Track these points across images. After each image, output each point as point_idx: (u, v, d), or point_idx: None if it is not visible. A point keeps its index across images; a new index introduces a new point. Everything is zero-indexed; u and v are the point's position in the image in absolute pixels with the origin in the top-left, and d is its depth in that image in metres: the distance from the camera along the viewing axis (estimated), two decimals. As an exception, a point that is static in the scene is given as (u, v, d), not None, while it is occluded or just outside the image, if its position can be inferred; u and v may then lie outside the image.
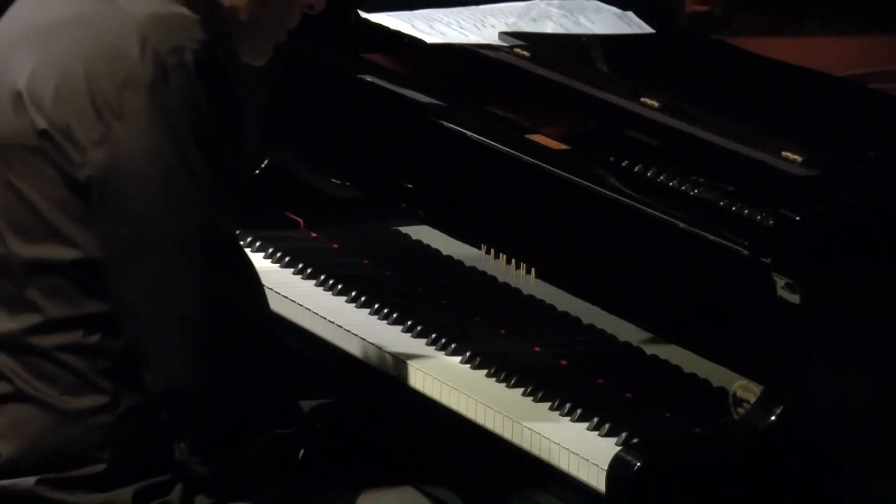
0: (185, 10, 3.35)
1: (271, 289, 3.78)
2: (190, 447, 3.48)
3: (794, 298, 2.98)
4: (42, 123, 3.29)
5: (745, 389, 3.07)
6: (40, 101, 3.31)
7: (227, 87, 3.37)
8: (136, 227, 3.26)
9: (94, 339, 3.33)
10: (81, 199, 3.27)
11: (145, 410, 3.36)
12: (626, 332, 3.31)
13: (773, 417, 2.98)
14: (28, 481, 3.39)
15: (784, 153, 3.16)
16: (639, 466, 2.99)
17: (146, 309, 3.31)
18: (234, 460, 3.52)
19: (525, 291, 3.47)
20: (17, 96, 3.32)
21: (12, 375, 3.40)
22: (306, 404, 3.84)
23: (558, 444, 3.11)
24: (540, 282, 3.44)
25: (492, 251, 3.51)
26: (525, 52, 3.65)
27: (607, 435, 3.08)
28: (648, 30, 3.82)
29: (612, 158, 3.39)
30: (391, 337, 3.46)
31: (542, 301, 3.44)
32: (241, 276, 3.38)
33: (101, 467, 3.36)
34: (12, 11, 3.59)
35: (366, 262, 3.67)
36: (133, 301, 3.30)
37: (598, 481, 3.05)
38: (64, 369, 3.35)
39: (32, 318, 3.37)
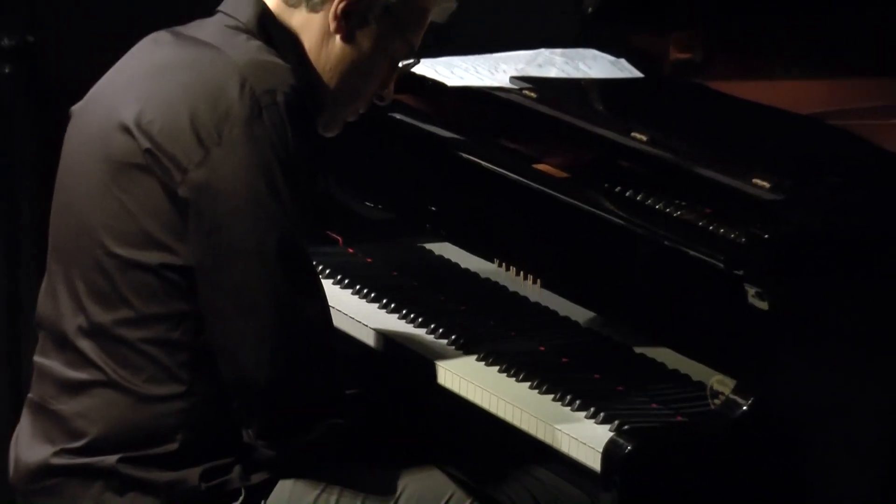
0: (279, 60, 3.36)
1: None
2: (256, 432, 3.42)
3: (763, 305, 2.97)
4: (147, 144, 3.29)
5: (721, 383, 3.07)
6: (148, 130, 3.30)
7: (310, 127, 3.40)
8: (225, 239, 3.26)
9: (177, 334, 3.32)
10: (178, 212, 3.27)
11: (217, 399, 3.36)
12: (619, 333, 3.32)
13: (744, 408, 2.98)
14: (111, 459, 3.35)
15: (754, 180, 3.16)
16: (629, 449, 2.95)
17: (229, 311, 3.31)
18: (294, 445, 3.44)
19: (532, 299, 3.47)
20: (125, 128, 3.31)
21: (102, 363, 3.36)
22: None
23: (560, 430, 3.10)
24: (544, 291, 3.45)
25: (503, 264, 3.51)
26: (532, 94, 3.65)
27: (602, 422, 3.07)
28: (638, 74, 3.81)
29: (606, 185, 3.38)
30: (417, 338, 3.46)
31: (546, 307, 3.44)
32: (311, 288, 3.36)
33: (174, 447, 3.34)
34: (129, 55, 3.58)
35: (395, 274, 3.67)
36: (217, 303, 3.31)
37: (594, 462, 3.01)
38: (148, 360, 3.33)
39: (124, 313, 3.35)
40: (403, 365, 3.50)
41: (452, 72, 3.77)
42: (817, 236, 3.12)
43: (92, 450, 3.40)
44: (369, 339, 3.55)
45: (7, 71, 5.16)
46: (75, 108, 3.58)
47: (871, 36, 3.81)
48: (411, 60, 3.59)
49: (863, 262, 3.14)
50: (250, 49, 3.39)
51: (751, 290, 2.99)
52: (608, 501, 3.04)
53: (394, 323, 3.53)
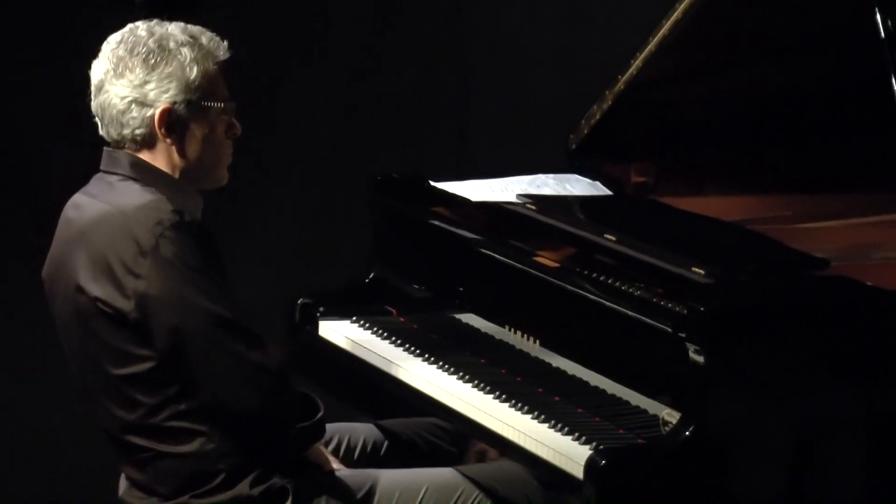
0: (157, 195, 3.27)
1: (375, 352, 3.71)
2: (258, 442, 3.37)
3: (700, 359, 2.96)
4: (96, 292, 3.24)
5: (670, 415, 3.05)
6: (91, 283, 3.25)
7: (201, 230, 3.31)
8: (177, 334, 3.24)
9: (182, 406, 3.27)
10: (135, 332, 3.22)
11: (232, 433, 3.33)
12: (594, 379, 3.29)
13: (687, 433, 2.95)
14: (184, 498, 3.34)
15: (693, 268, 3.15)
16: (604, 464, 2.92)
17: (217, 376, 3.27)
18: (284, 445, 3.40)
19: (532, 354, 3.45)
20: (79, 288, 3.26)
21: (148, 445, 3.33)
22: (394, 421, 3.79)
23: (555, 449, 3.08)
24: (542, 348, 3.43)
25: (511, 329, 3.50)
26: (532, 206, 3.65)
27: (584, 444, 3.05)
28: (608, 192, 3.81)
29: (585, 272, 3.37)
30: (448, 382, 3.44)
31: (543, 360, 3.42)
32: (252, 339, 3.28)
33: (223, 475, 3.32)
34: (64, 217, 3.48)
35: (434, 336, 3.65)
36: (205, 373, 3.26)
37: (578, 472, 2.97)
38: (173, 430, 3.30)
39: (140, 409, 3.30)
40: (434, 400, 3.45)
41: (475, 191, 3.78)
42: (739, 309, 3.10)
43: (168, 497, 3.38)
44: (413, 382, 3.51)
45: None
46: (44, 275, 3.49)
47: (775, 163, 3.81)
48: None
49: (772, 326, 3.10)
50: (133, 194, 3.31)
51: (691, 348, 2.97)
52: (588, 499, 2.99)
53: (432, 372, 3.50)
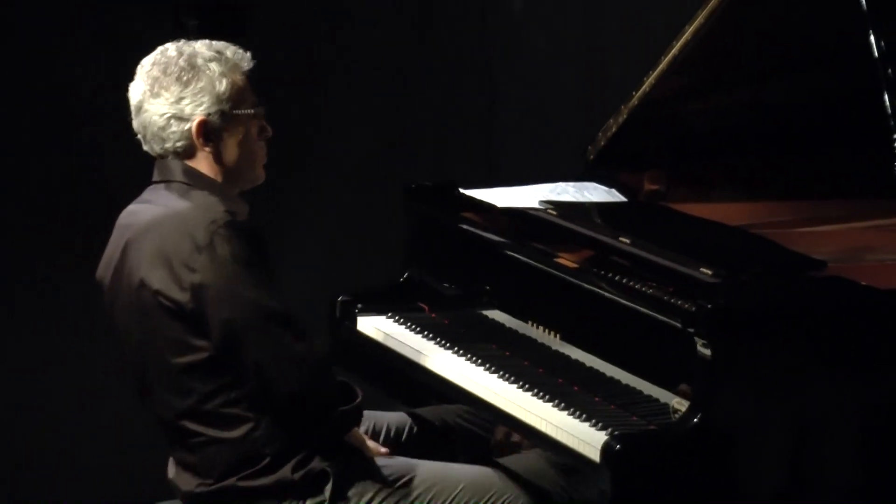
0: (211, 198, 3.30)
1: (409, 345, 3.69)
2: (299, 427, 3.36)
3: (707, 353, 2.96)
4: (157, 285, 3.24)
5: (680, 404, 3.04)
6: (152, 277, 3.26)
7: (252, 230, 3.31)
8: (230, 325, 3.25)
9: (233, 394, 3.27)
10: (192, 323, 3.24)
11: (278, 419, 3.33)
12: (610, 370, 3.29)
13: (695, 420, 2.95)
14: (231, 481, 3.33)
15: (701, 269, 3.15)
16: (618, 448, 2.92)
17: (265, 363, 3.26)
18: (324, 431, 3.36)
19: (553, 347, 3.44)
20: (141, 283, 3.27)
21: (200, 430, 3.33)
22: (423, 409, 3.76)
23: (574, 435, 3.08)
24: (562, 342, 3.43)
25: (534, 324, 3.50)
26: (553, 212, 3.65)
27: (601, 429, 3.05)
28: (623, 199, 3.80)
29: (602, 272, 3.36)
30: (475, 373, 3.43)
31: (563, 353, 3.41)
32: (298, 331, 3.28)
33: (266, 461, 3.31)
34: (119, 224, 3.48)
35: (463, 330, 3.64)
36: (254, 360, 3.26)
37: (595, 456, 2.97)
38: (225, 416, 3.30)
39: (195, 396, 3.30)
40: (462, 389, 3.45)
41: (501, 197, 3.77)
42: (743, 307, 3.09)
43: (217, 480, 3.36)
44: (443, 372, 3.51)
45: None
46: (98, 275, 3.48)
47: (776, 172, 3.80)
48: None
49: (773, 323, 3.09)
50: (187, 197, 3.33)
51: (699, 342, 2.97)
52: (604, 481, 2.98)
53: (461, 363, 3.49)
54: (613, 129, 3.72)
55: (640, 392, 3.18)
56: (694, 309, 3.04)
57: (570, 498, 3.42)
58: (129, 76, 3.98)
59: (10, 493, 4.81)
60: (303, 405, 3.32)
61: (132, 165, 3.76)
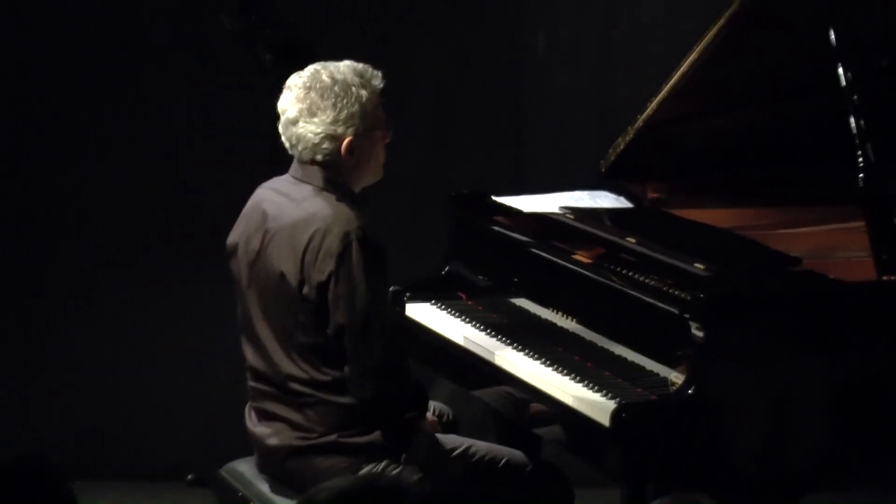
0: (348, 210, 3.32)
1: (450, 328, 3.67)
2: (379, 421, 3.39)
3: (700, 335, 2.97)
4: (293, 282, 3.27)
5: (677, 378, 3.03)
6: (291, 274, 3.28)
7: (377, 245, 3.32)
8: (339, 326, 3.26)
9: (333, 374, 3.29)
10: (316, 315, 3.26)
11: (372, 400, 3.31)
12: (618, 349, 3.27)
13: (689, 392, 2.95)
14: (331, 437, 3.33)
15: (696, 264, 3.15)
16: (625, 415, 2.93)
17: (353, 367, 3.27)
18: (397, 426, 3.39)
19: (570, 330, 3.43)
20: (282, 276, 3.29)
21: (312, 393, 3.31)
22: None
23: (587, 402, 3.08)
24: (578, 325, 3.41)
25: (554, 310, 3.48)
26: (571, 216, 3.64)
27: (610, 399, 3.05)
28: (629, 205, 3.79)
29: (612, 266, 3.35)
30: (504, 350, 3.41)
31: (578, 334, 3.39)
32: (391, 336, 3.33)
33: (361, 426, 3.31)
34: (257, 205, 3.50)
35: (494, 315, 3.62)
36: (348, 361, 3.26)
37: (605, 421, 2.97)
38: (335, 384, 3.30)
39: (312, 367, 3.32)
40: (497, 366, 3.43)
41: (527, 204, 3.76)
42: (731, 296, 3.12)
43: (321, 435, 3.36)
44: (480, 352, 3.49)
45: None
46: (231, 241, 3.50)
47: (759, 183, 3.78)
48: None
49: (756, 310, 3.12)
50: (329, 206, 3.33)
51: (693, 326, 2.98)
52: (613, 444, 2.99)
53: (492, 342, 3.48)
54: (622, 147, 3.70)
55: (644, 368, 3.17)
56: (689, 298, 3.04)
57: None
58: (213, 100, 4.01)
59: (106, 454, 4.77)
60: (371, 407, 3.32)
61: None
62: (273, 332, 3.37)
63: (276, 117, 3.51)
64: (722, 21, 3.34)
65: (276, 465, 3.39)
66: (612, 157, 3.75)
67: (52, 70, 4.67)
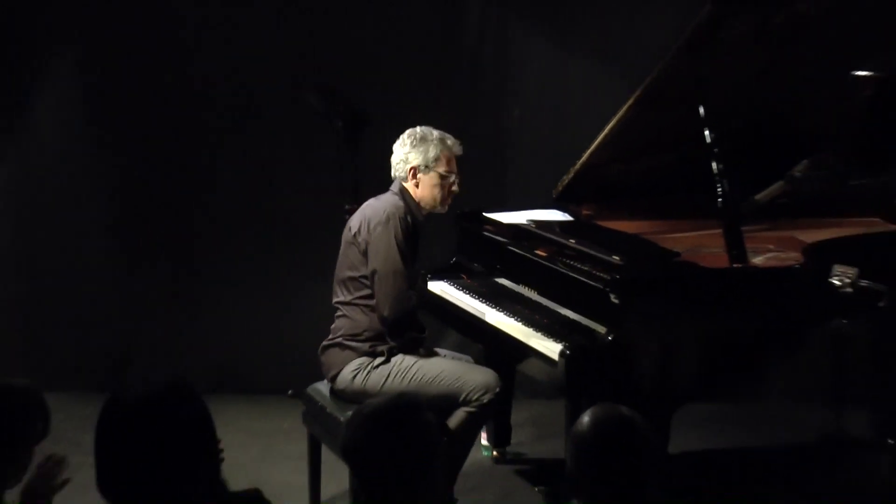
0: (400, 202, 3.29)
1: (454, 296, 3.60)
2: (388, 333, 3.29)
3: (616, 302, 2.98)
4: (357, 235, 3.27)
5: (601, 330, 3.02)
6: (357, 230, 3.27)
7: (412, 227, 3.30)
8: (377, 263, 3.22)
9: (370, 301, 3.27)
10: (363, 257, 3.25)
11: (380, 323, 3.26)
12: (565, 311, 3.23)
13: (609, 339, 2.95)
14: (339, 339, 3.29)
15: (613, 256, 3.14)
16: (568, 353, 2.95)
17: (379, 294, 3.23)
18: (403, 337, 3.30)
19: (533, 298, 3.38)
20: (356, 232, 3.27)
21: (343, 311, 3.30)
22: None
23: (546, 346, 3.08)
24: (539, 296, 3.37)
25: (523, 286, 3.44)
26: (533, 225, 3.61)
27: (558, 343, 3.04)
28: (571, 218, 3.72)
29: (559, 258, 3.31)
30: (490, 311, 3.40)
31: (538, 302, 3.36)
32: (405, 284, 3.26)
33: (364, 335, 3.28)
34: (363, 204, 3.38)
35: (484, 289, 3.58)
36: (376, 290, 3.22)
37: (555, 357, 2.98)
38: (360, 307, 3.28)
39: (354, 293, 3.29)
40: (486, 321, 3.40)
41: (507, 218, 3.72)
42: (635, 277, 3.08)
43: (334, 338, 3.32)
44: (475, 312, 3.46)
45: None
46: (349, 223, 3.38)
47: (657, 205, 3.71)
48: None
49: (651, 286, 3.08)
50: (394, 200, 3.30)
51: (612, 297, 2.99)
52: (561, 372, 2.96)
53: (483, 306, 3.45)
54: (566, 181, 3.68)
55: (580, 323, 3.16)
56: (609, 278, 3.06)
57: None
58: (308, 150, 4.03)
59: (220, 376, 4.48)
60: (388, 323, 3.28)
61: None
62: (338, 274, 3.40)
63: (349, 163, 3.60)
64: (631, 101, 3.29)
65: (319, 360, 3.38)
66: (560, 188, 3.71)
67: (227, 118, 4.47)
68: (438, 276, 3.76)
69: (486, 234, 3.71)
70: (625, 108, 3.31)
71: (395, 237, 3.25)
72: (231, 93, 4.38)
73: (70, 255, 4.48)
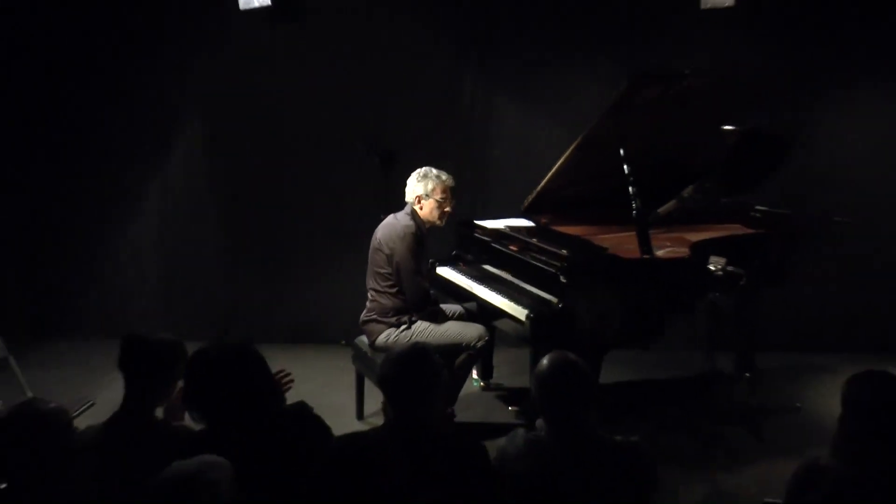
0: (412, 222, 3.18)
1: (454, 278, 3.53)
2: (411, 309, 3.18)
3: (564, 281, 2.97)
4: (382, 247, 3.17)
5: (554, 300, 2.98)
6: (382, 243, 3.18)
7: (420, 237, 3.19)
8: (398, 268, 3.13)
9: (395, 289, 3.18)
10: (388, 262, 3.14)
11: (404, 303, 3.15)
12: (530, 287, 3.18)
13: (560, 306, 2.97)
14: (373, 315, 3.19)
15: (562, 250, 3.09)
16: (532, 315, 2.93)
17: (402, 280, 3.15)
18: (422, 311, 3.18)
19: (509, 279, 3.33)
20: (379, 243, 3.19)
21: (375, 297, 3.17)
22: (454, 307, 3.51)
23: (516, 310, 3.04)
24: (511, 276, 3.32)
25: (502, 271, 3.40)
26: (508, 229, 3.54)
27: (525, 308, 3.00)
28: (534, 225, 3.64)
29: (527, 251, 3.27)
30: (479, 288, 3.35)
31: (513, 282, 3.30)
32: (421, 278, 3.17)
33: (391, 313, 3.12)
34: (384, 220, 3.26)
35: (475, 272, 3.54)
36: (401, 281, 3.13)
37: (522, 318, 2.95)
38: (388, 294, 3.19)
39: (381, 283, 3.19)
40: (477, 295, 3.35)
41: (491, 224, 3.67)
42: (578, 265, 3.03)
43: (368, 314, 3.23)
44: (468, 287, 3.41)
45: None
46: (375, 235, 3.25)
47: (595, 215, 3.61)
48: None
49: (590, 271, 3.03)
50: (407, 220, 3.21)
51: (561, 277, 2.98)
52: (526, 329, 2.92)
53: (474, 284, 3.40)
54: (530, 199, 3.59)
55: (540, 296, 3.13)
56: (559, 265, 3.07)
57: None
58: (356, 177, 3.99)
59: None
60: (410, 303, 3.25)
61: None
62: (370, 268, 3.34)
63: (383, 186, 3.59)
64: (574, 146, 3.26)
65: (362, 329, 3.36)
66: (526, 204, 3.64)
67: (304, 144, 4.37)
68: (443, 264, 3.75)
69: (476, 234, 3.68)
70: (569, 150, 3.31)
71: (409, 249, 3.23)
72: (307, 140, 4.41)
73: (195, 248, 4.54)
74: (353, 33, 4.12)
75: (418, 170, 3.34)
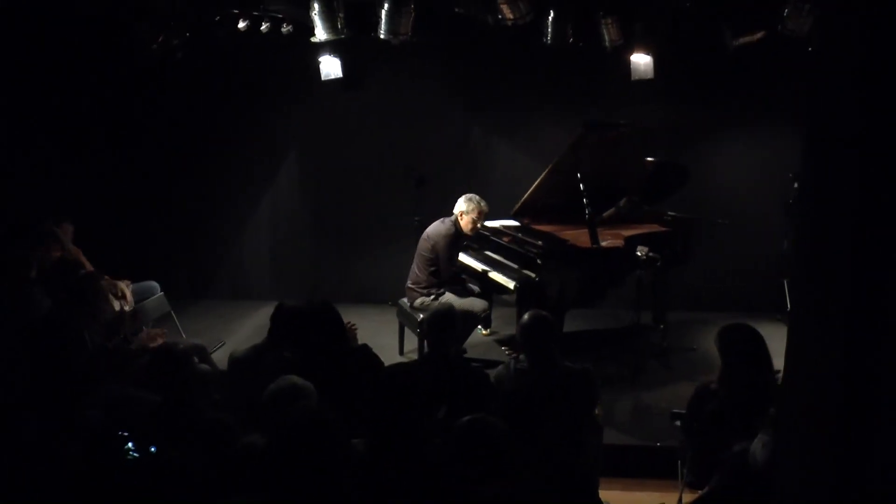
0: (451, 226, 2.96)
1: (468, 260, 3.39)
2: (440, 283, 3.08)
3: (540, 263, 3.02)
4: (428, 238, 3.09)
5: (532, 275, 3.02)
6: (429, 237, 3.10)
7: (456, 238, 3.08)
8: (440, 257, 3.02)
9: (434, 268, 3.08)
10: (432, 251, 3.05)
11: (438, 279, 3.07)
12: (517, 267, 3.14)
13: (536, 279, 2.99)
14: (410, 285, 3.04)
15: (538, 242, 3.10)
16: (518, 286, 3.00)
17: (442, 265, 3.06)
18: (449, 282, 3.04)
19: (505, 262, 3.25)
20: (426, 238, 3.09)
21: (419, 276, 3.06)
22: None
23: (508, 282, 3.05)
24: (506, 260, 3.25)
25: (499, 255, 3.30)
26: (504, 228, 3.41)
27: (513, 280, 3.01)
28: (519, 224, 3.45)
29: (517, 244, 3.17)
30: (484, 268, 3.32)
31: (505, 263, 3.23)
32: (455, 263, 3.09)
33: (424, 283, 3.04)
34: (433, 224, 3.15)
35: (480, 257, 3.42)
36: (440, 262, 2.99)
37: (511, 287, 2.93)
38: (427, 272, 3.10)
39: (429, 267, 3.11)
40: (482, 272, 3.29)
41: (490, 223, 3.47)
42: (551, 253, 2.99)
43: (413, 284, 3.17)
44: (478, 267, 3.33)
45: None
46: (424, 234, 3.14)
47: (565, 219, 3.40)
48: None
49: (558, 258, 2.96)
50: (449, 225, 3.13)
51: (537, 261, 2.96)
52: (515, 296, 2.95)
53: (480, 266, 3.33)
54: (517, 207, 3.48)
55: (522, 272, 3.09)
56: (536, 251, 3.05)
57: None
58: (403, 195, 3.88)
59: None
60: (444, 280, 3.18)
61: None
62: (418, 252, 3.25)
63: (416, 200, 3.53)
64: (546, 171, 3.20)
65: (405, 293, 3.29)
66: (514, 210, 3.51)
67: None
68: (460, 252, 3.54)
69: (481, 231, 3.49)
70: (543, 174, 3.26)
71: (447, 245, 3.20)
72: (367, 167, 4.28)
73: (293, 237, 4.41)
74: (395, 96, 4.12)
75: (467, 194, 3.27)
